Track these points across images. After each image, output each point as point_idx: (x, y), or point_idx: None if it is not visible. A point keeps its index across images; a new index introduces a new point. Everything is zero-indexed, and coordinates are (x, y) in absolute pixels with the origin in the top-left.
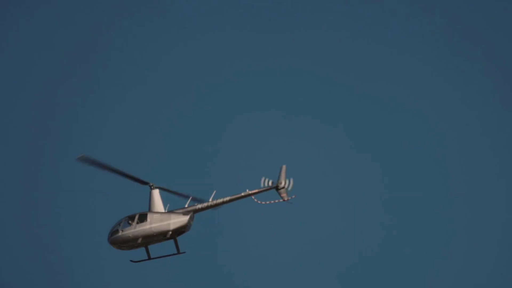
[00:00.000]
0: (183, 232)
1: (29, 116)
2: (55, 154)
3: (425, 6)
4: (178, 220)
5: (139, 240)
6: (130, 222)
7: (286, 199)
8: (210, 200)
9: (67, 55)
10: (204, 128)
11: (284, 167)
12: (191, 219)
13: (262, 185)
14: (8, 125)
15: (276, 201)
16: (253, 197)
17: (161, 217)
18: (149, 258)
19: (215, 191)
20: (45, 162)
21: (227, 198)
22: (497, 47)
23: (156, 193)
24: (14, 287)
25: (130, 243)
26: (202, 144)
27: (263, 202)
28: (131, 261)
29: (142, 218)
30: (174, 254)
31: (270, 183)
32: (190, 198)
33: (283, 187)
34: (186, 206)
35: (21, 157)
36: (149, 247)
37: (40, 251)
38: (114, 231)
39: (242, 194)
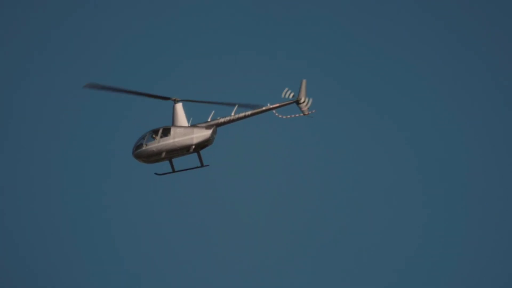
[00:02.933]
0: (206, 145)
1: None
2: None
3: None
4: (201, 134)
5: (163, 155)
6: (154, 136)
7: (306, 113)
8: (233, 114)
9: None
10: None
11: (304, 81)
12: (213, 133)
13: (283, 95)
14: None
15: (297, 115)
16: (274, 111)
17: (184, 131)
18: (173, 171)
19: (237, 105)
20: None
21: (249, 112)
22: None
23: (179, 107)
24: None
25: (154, 157)
26: (225, 60)
27: (284, 116)
28: (155, 174)
29: (166, 132)
30: (197, 167)
31: (290, 96)
32: (213, 112)
33: (304, 102)
34: (209, 120)
35: None
36: (173, 160)
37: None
38: (138, 145)
39: (264, 108)
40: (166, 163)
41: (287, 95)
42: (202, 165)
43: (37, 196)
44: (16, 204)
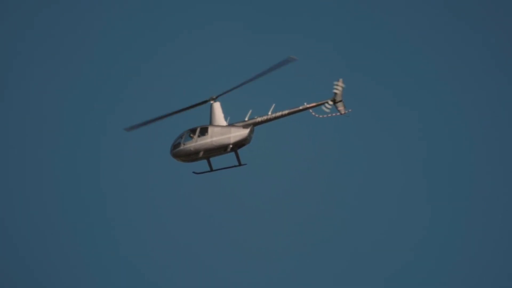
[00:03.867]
0: (244, 145)
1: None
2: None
3: None
4: (238, 134)
5: (201, 154)
6: (191, 135)
7: (343, 112)
8: (270, 113)
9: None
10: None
11: (340, 80)
12: (251, 132)
13: (334, 84)
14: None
15: (333, 114)
16: (310, 110)
17: (222, 131)
18: (211, 170)
19: (274, 105)
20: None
21: (286, 112)
22: None
23: (217, 106)
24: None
25: (191, 156)
26: (260, 59)
27: (321, 116)
28: (193, 173)
29: (203, 131)
30: (235, 166)
31: (340, 88)
32: (250, 111)
33: (340, 100)
34: (246, 119)
35: None
36: (211, 158)
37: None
38: (176, 144)
39: (300, 107)
40: (203, 162)
41: (337, 89)
42: (239, 164)
43: (79, 197)
44: (55, 205)
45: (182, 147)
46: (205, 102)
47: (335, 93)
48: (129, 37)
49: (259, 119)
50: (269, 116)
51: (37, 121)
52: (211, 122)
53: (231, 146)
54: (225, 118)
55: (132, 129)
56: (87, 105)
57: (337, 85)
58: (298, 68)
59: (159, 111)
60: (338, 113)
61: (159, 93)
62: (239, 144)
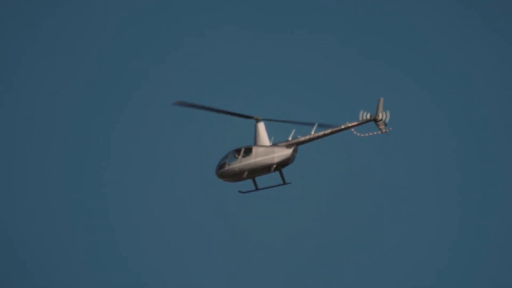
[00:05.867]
0: (287, 164)
1: None
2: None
3: None
4: (281, 154)
5: (245, 174)
6: (236, 156)
7: (384, 131)
8: (312, 133)
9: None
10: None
11: (381, 99)
12: (294, 151)
13: (360, 118)
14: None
15: (375, 133)
16: (352, 129)
17: (266, 151)
18: (256, 189)
19: (316, 124)
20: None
21: (328, 131)
22: None
23: (261, 126)
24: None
25: (236, 177)
26: (304, 78)
27: (362, 135)
28: (239, 192)
29: (248, 151)
30: (280, 185)
31: (368, 116)
32: (294, 131)
33: (381, 120)
34: (290, 139)
35: None
36: (256, 178)
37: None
38: (221, 165)
39: (342, 126)
40: (249, 181)
41: (364, 117)
42: (284, 183)
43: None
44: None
45: (227, 167)
46: (249, 117)
47: (376, 112)
48: (137, 41)
49: (302, 138)
50: (312, 136)
51: (41, 122)
52: (255, 142)
53: (274, 166)
54: (269, 138)
55: (181, 104)
56: (89, 108)
57: (362, 114)
58: (339, 89)
59: (164, 115)
60: (380, 132)
61: (165, 98)
62: (283, 164)
